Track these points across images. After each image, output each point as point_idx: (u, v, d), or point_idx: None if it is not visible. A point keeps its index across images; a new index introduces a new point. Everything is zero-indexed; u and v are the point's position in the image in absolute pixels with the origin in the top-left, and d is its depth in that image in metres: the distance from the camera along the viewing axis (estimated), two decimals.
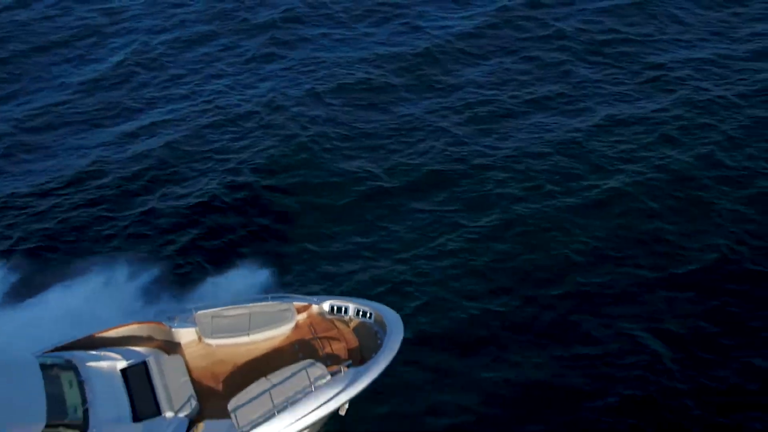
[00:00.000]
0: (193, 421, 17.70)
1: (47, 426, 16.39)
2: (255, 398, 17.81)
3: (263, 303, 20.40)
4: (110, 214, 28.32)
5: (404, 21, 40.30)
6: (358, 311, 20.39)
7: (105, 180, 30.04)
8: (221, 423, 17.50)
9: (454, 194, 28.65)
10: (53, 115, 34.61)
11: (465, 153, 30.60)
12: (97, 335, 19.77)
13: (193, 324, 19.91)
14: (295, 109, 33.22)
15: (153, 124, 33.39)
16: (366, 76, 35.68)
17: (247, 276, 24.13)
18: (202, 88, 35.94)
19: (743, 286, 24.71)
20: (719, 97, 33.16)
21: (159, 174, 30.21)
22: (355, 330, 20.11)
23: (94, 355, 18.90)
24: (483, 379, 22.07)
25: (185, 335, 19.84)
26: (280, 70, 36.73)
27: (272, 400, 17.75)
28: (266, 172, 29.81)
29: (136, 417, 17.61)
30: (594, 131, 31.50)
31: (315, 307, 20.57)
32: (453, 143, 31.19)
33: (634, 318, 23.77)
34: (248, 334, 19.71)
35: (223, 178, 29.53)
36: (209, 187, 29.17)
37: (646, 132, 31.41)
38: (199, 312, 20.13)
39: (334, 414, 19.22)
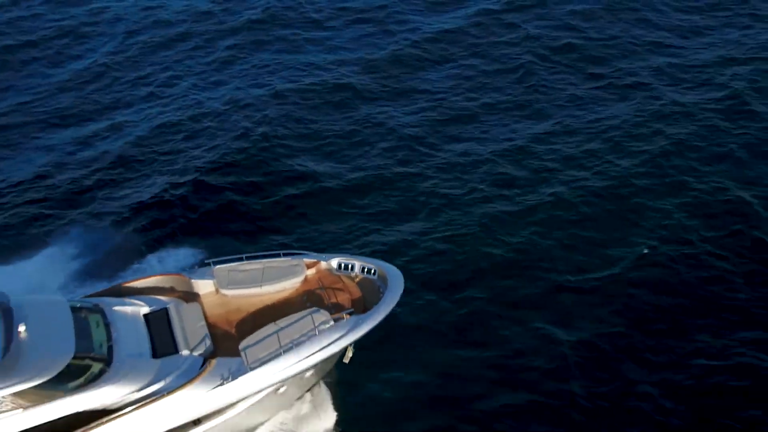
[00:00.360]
0: (206, 358, 19.36)
1: (75, 357, 18.15)
2: (263, 339, 19.46)
3: (276, 259, 22.09)
4: (60, 209, 29.82)
5: (376, 23, 41.39)
6: (364, 268, 21.92)
7: (62, 176, 31.53)
8: (232, 360, 19.14)
9: (388, 195, 29.57)
10: (21, 113, 36.04)
11: (408, 155, 31.51)
12: (123, 285, 21.69)
13: (212, 276, 21.65)
14: (251, 109, 34.49)
15: (115, 123, 34.80)
16: (328, 77, 36.77)
17: (180, 261, 26.06)
18: (168, 87, 37.29)
19: (658, 289, 25.19)
20: (674, 102, 33.53)
21: (112, 171, 31.68)
22: (359, 284, 21.66)
23: (120, 301, 20.73)
24: (384, 377, 22.79)
25: (204, 286, 21.59)
26: (247, 69, 38.01)
27: (279, 342, 19.36)
28: (214, 169, 31.06)
29: (156, 354, 19.34)
30: (542, 136, 32.11)
31: (323, 264, 22.16)
32: (398, 146, 32.09)
33: (545, 319, 24.39)
34: (261, 286, 21.38)
35: (172, 175, 30.90)
36: (158, 182, 30.59)
37: (593, 138, 31.82)
38: (217, 266, 21.87)
39: (339, 362, 20.84)
